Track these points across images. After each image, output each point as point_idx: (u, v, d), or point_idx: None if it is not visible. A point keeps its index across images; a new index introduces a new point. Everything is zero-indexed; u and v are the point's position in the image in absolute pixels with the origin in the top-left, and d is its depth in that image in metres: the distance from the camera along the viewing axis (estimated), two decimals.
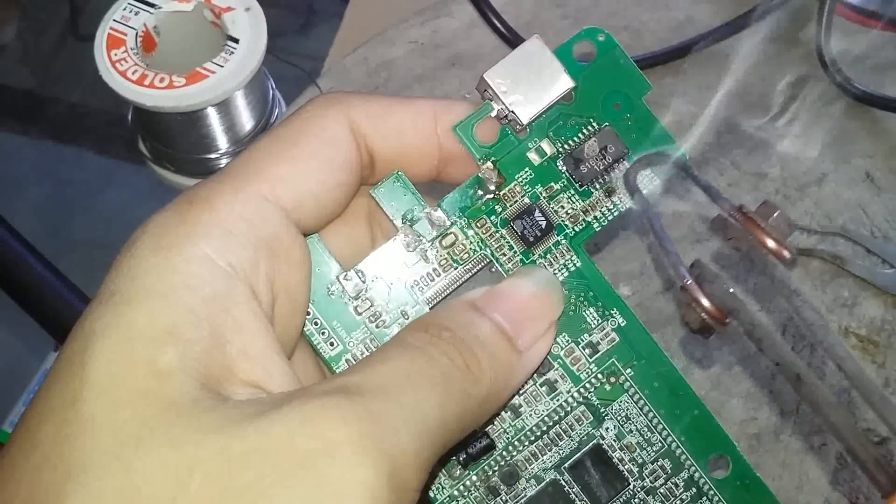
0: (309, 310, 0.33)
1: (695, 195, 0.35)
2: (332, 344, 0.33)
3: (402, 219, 0.34)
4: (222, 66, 0.59)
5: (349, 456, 0.25)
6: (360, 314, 0.33)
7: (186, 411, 0.26)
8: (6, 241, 0.60)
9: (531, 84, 0.34)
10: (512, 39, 0.65)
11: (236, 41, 0.60)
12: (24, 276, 0.60)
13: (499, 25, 0.66)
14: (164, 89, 0.58)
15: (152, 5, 0.61)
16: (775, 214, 0.32)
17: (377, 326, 0.33)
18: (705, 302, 0.32)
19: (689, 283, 0.32)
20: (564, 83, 0.34)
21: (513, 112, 0.34)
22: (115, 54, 0.59)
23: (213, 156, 0.63)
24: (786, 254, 0.31)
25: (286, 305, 0.31)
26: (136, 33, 0.60)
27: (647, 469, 0.34)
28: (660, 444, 0.34)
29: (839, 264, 0.55)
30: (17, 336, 0.63)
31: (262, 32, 0.61)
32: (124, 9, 0.61)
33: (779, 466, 0.50)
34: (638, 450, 0.34)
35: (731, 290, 0.32)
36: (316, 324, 0.33)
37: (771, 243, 0.31)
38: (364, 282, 0.33)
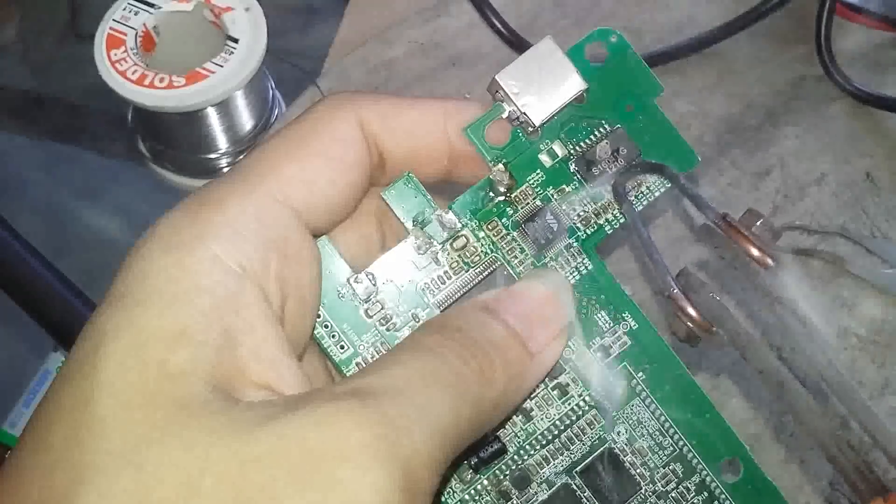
0: (319, 312, 0.33)
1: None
2: (342, 347, 0.33)
3: (413, 221, 0.33)
4: (222, 66, 0.59)
5: (362, 459, 0.25)
6: (370, 317, 0.33)
7: (198, 413, 0.25)
8: (6, 241, 0.60)
9: (543, 85, 0.34)
10: (512, 39, 0.65)
11: (236, 41, 0.60)
12: (23, 276, 0.60)
13: (498, 25, 0.65)
14: (163, 89, 0.58)
15: (152, 5, 0.61)
16: (759, 222, 0.32)
17: (388, 329, 0.33)
18: (691, 311, 0.32)
19: (675, 292, 0.32)
20: (577, 85, 0.34)
21: (525, 114, 0.33)
22: (115, 54, 0.59)
23: (212, 156, 0.63)
24: (769, 261, 0.31)
25: (296, 307, 0.31)
26: (136, 33, 0.60)
27: (658, 473, 0.34)
28: (671, 448, 0.34)
29: (839, 264, 0.55)
30: (17, 336, 0.62)
31: (261, 32, 0.61)
32: (124, 9, 0.61)
33: (779, 466, 0.50)
34: (649, 454, 0.34)
35: (717, 298, 0.32)
36: (326, 326, 0.33)
37: (754, 251, 0.31)
38: (375, 284, 0.33)
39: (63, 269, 0.60)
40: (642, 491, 0.34)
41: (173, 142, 0.64)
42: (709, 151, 0.60)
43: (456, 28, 0.67)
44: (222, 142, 0.63)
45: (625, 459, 0.34)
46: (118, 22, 0.60)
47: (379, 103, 0.33)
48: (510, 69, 0.34)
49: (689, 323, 0.32)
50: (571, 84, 0.34)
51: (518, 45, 0.64)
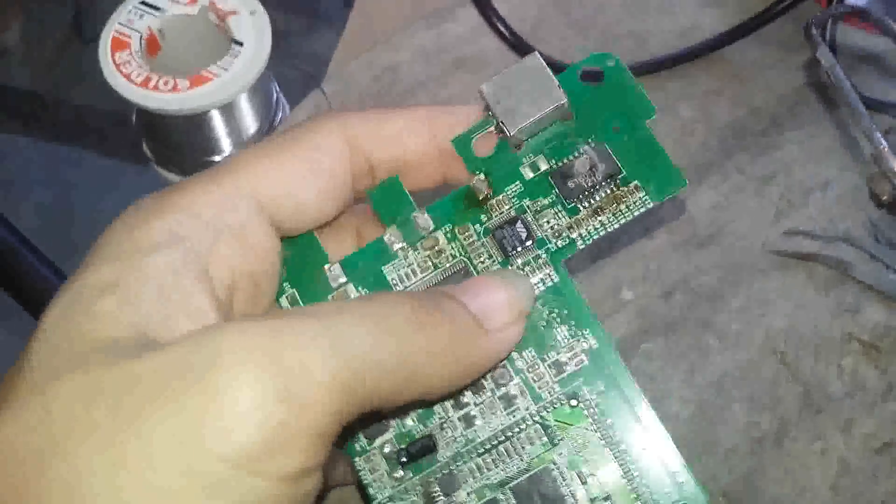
0: (291, 294, 0.34)
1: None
2: None
3: (390, 220, 0.35)
4: (227, 70, 0.59)
5: (233, 365, 0.25)
6: None
7: (112, 349, 0.27)
8: (9, 242, 0.60)
9: (523, 97, 0.35)
10: (517, 45, 0.65)
11: (241, 44, 0.60)
12: (26, 278, 0.60)
13: (504, 31, 0.66)
14: (168, 92, 0.58)
15: (157, 8, 0.61)
16: None
17: None
18: None
19: (884, 149, 0.30)
20: (556, 98, 0.34)
21: (502, 122, 0.34)
22: (120, 57, 0.59)
23: (216, 158, 0.63)
24: None
25: (249, 292, 0.33)
26: (141, 36, 0.60)
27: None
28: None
29: (843, 270, 0.55)
30: (19, 336, 0.62)
31: (266, 36, 0.61)
32: (129, 12, 0.61)
33: (781, 471, 0.50)
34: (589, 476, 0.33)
35: None
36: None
37: None
38: (346, 276, 0.34)
39: (66, 270, 0.60)
40: None
41: (177, 144, 0.64)
42: (713, 156, 0.59)
43: (461, 33, 0.67)
44: (226, 145, 0.63)
45: (561, 484, 0.33)
46: (123, 25, 0.60)
47: (366, 115, 0.35)
48: (496, 79, 0.35)
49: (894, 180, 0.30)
50: (550, 97, 0.34)
51: (523, 50, 0.64)
